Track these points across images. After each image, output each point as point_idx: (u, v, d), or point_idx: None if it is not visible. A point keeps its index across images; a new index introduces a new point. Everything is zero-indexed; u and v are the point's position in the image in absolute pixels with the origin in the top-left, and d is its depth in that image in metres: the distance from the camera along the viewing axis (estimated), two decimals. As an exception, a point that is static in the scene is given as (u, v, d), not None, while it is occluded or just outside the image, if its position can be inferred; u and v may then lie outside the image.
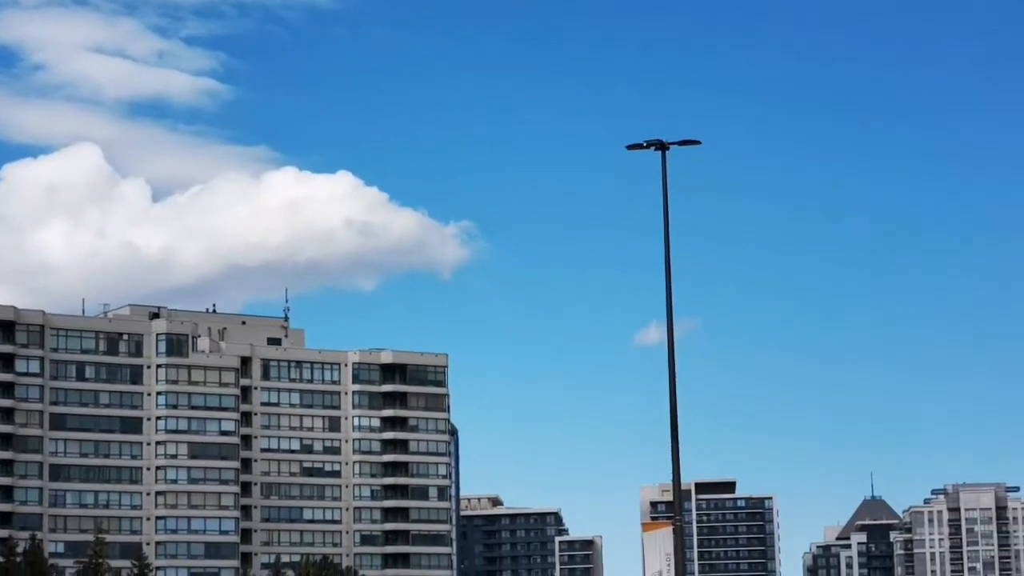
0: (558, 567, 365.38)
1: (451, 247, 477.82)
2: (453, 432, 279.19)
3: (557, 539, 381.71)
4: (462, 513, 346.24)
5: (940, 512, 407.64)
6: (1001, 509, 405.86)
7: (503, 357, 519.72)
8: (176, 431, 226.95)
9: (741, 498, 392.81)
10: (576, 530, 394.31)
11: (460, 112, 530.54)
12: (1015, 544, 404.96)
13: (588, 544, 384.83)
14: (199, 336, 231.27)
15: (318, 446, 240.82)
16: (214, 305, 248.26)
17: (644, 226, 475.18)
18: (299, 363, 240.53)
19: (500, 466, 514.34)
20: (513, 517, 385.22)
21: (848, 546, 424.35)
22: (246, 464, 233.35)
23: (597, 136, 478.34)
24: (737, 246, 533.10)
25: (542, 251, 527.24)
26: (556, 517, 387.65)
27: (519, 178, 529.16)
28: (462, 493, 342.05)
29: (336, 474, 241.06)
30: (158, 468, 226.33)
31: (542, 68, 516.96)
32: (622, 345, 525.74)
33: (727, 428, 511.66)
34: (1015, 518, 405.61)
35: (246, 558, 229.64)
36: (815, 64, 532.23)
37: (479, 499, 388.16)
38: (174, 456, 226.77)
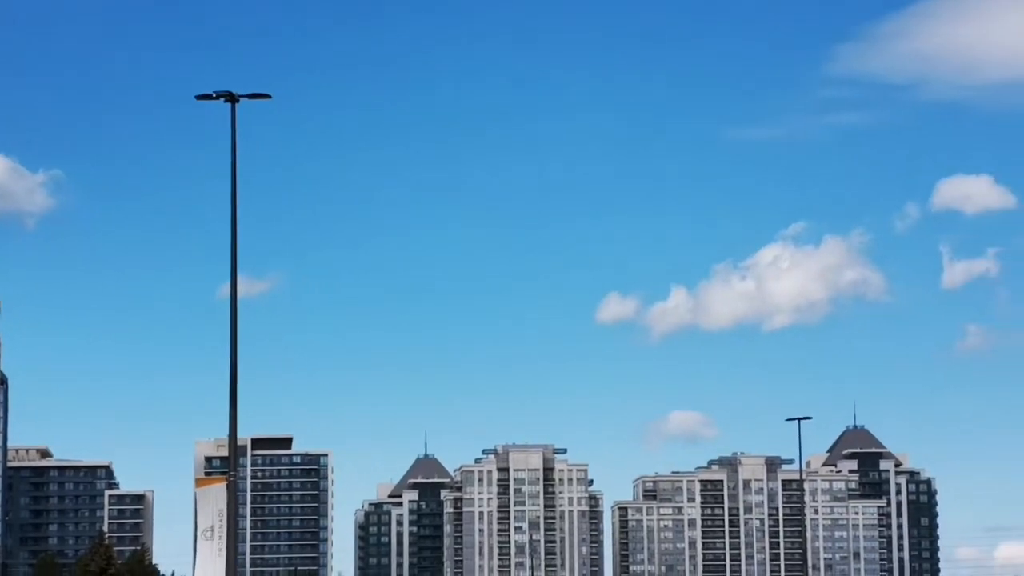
0: (107, 521, 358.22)
1: (39, 196, 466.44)
2: (3, 380, 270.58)
3: (107, 492, 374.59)
4: (9, 464, 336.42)
5: (490, 471, 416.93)
6: (548, 471, 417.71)
7: (64, 308, 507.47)
8: None
9: (297, 454, 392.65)
10: (127, 484, 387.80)
11: (53, 59, 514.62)
12: (560, 504, 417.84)
13: (139, 499, 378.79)
14: None
15: None
16: None
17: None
18: None
19: (51, 417, 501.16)
20: (62, 469, 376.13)
21: (400, 504, 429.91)
22: None
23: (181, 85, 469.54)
24: (320, 201, 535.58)
25: (128, 203, 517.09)
26: (107, 470, 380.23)
27: (110, 128, 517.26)
28: (9, 444, 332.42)
29: None
30: None
31: (132, 16, 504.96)
32: (204, 299, 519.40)
33: (289, 382, 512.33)
34: (561, 479, 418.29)
35: None
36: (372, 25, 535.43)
37: (27, 450, 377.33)
38: None
